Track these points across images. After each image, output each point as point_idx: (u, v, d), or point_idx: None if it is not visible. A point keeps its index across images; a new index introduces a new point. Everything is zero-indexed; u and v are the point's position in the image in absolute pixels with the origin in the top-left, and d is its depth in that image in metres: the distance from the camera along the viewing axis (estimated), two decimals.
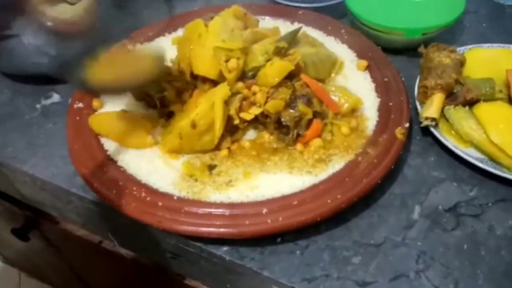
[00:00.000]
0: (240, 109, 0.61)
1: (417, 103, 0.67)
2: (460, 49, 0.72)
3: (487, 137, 0.60)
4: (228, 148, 0.61)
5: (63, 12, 0.68)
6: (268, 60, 0.62)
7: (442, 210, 0.57)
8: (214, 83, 0.62)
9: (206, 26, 0.64)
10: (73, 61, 0.58)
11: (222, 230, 0.52)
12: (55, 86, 0.77)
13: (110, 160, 0.60)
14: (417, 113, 0.66)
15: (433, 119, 0.63)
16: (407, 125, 0.61)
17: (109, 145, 0.62)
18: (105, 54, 0.61)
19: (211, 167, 0.59)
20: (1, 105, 0.75)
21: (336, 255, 0.53)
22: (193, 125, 0.58)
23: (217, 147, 0.61)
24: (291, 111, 0.60)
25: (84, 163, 0.59)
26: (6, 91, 0.78)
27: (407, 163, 0.63)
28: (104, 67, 0.58)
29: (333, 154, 0.60)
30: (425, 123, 0.63)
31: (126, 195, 0.56)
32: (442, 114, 0.64)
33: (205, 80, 0.63)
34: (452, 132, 0.64)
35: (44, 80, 0.77)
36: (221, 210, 0.54)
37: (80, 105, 0.67)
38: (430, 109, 0.63)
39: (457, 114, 0.63)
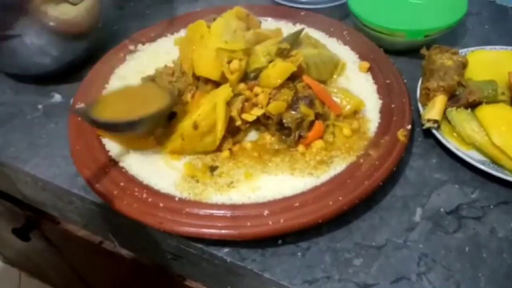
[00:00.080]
0: (242, 110, 0.61)
1: (419, 105, 0.67)
2: (463, 51, 0.72)
3: (489, 139, 0.60)
4: (230, 149, 0.61)
5: (65, 12, 0.68)
6: (270, 62, 0.62)
7: (444, 212, 0.57)
8: (216, 84, 0.62)
9: (209, 27, 0.64)
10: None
11: (223, 231, 0.52)
12: (57, 86, 0.77)
13: (111, 161, 0.60)
14: (419, 115, 0.66)
15: (435, 121, 0.63)
16: (409, 127, 0.61)
17: (111, 146, 0.62)
18: (115, 91, 0.62)
19: (212, 168, 0.59)
20: (3, 105, 0.75)
21: (338, 257, 0.53)
22: (195, 126, 0.58)
23: (219, 148, 0.61)
24: (293, 112, 0.60)
25: (86, 164, 0.59)
26: (8, 91, 0.78)
27: (409, 165, 0.63)
28: (113, 104, 0.59)
29: (334, 155, 0.60)
30: (427, 125, 0.63)
31: (127, 196, 0.56)
32: (444, 116, 0.64)
33: (207, 81, 0.63)
34: (454, 134, 0.64)
35: (46, 80, 0.77)
36: (222, 211, 0.54)
37: (82, 105, 0.67)
38: (432, 111, 0.63)
39: (459, 116, 0.63)
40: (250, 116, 0.60)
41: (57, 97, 0.76)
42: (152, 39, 0.80)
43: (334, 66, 0.70)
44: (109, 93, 0.61)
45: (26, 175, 0.66)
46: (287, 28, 0.78)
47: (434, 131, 0.63)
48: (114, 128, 0.58)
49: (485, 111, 0.63)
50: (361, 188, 0.55)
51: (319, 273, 0.52)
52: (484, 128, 0.61)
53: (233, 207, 0.54)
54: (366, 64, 0.71)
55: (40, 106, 0.74)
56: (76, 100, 0.69)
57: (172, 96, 0.61)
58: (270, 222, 0.52)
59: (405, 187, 0.60)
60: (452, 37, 0.82)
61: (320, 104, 0.62)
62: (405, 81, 0.68)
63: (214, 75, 0.61)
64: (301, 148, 0.60)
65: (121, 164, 0.60)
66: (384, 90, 0.67)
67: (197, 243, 0.55)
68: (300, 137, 0.61)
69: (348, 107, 0.64)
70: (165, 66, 0.68)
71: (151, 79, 0.66)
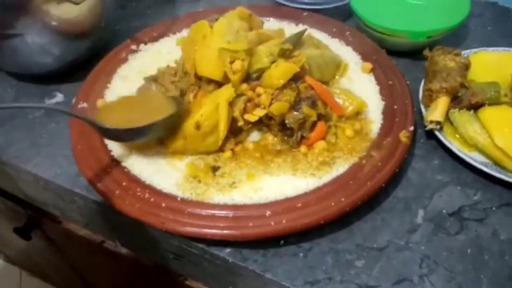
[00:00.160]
0: (245, 110, 0.61)
1: (422, 106, 0.67)
2: (465, 53, 0.72)
3: (492, 141, 0.60)
4: (232, 149, 0.61)
5: (67, 12, 0.68)
6: (272, 62, 0.62)
7: (446, 214, 0.57)
8: (219, 84, 0.62)
9: (211, 27, 0.64)
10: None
11: (225, 232, 0.52)
12: (59, 85, 0.77)
13: (114, 161, 0.60)
14: (421, 116, 0.66)
15: (438, 123, 0.62)
16: (411, 128, 0.61)
17: (113, 146, 0.62)
18: (121, 98, 0.62)
19: (214, 169, 0.59)
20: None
21: (339, 258, 0.53)
22: (197, 127, 0.58)
23: (221, 149, 0.61)
24: (296, 113, 0.60)
25: (88, 164, 0.59)
26: (10, 90, 0.78)
27: (411, 167, 0.63)
28: (116, 113, 0.59)
29: (337, 156, 0.60)
30: (430, 126, 0.63)
31: (129, 195, 0.56)
32: (447, 117, 0.64)
33: (209, 81, 0.63)
34: (457, 135, 0.63)
35: (48, 79, 0.77)
36: (224, 212, 0.54)
37: (84, 105, 0.67)
38: (435, 113, 0.63)
39: (462, 117, 0.63)
40: (252, 117, 0.60)
41: (59, 97, 0.75)
42: (155, 39, 0.80)
43: (337, 67, 0.70)
44: (108, 103, 0.61)
45: (28, 174, 0.66)
46: (290, 28, 0.78)
47: (436, 133, 0.63)
48: (125, 136, 0.58)
49: (488, 113, 0.63)
50: (363, 190, 0.55)
51: (321, 274, 0.52)
52: (486, 130, 0.61)
53: (235, 207, 0.54)
54: (369, 65, 0.71)
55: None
56: (78, 100, 0.68)
57: (177, 101, 0.61)
58: (272, 223, 0.52)
59: (407, 188, 0.60)
60: (455, 38, 0.82)
61: (323, 105, 0.62)
62: (407, 82, 0.68)
63: (217, 75, 0.61)
64: (303, 148, 0.60)
65: (123, 164, 0.60)
66: (386, 91, 0.67)
67: (199, 243, 0.55)
68: (302, 137, 0.61)
69: (350, 108, 0.64)
70: (168, 66, 0.68)
71: (153, 79, 0.66)
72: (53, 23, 0.68)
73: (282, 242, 0.54)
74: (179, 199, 0.56)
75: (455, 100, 0.65)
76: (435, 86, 0.65)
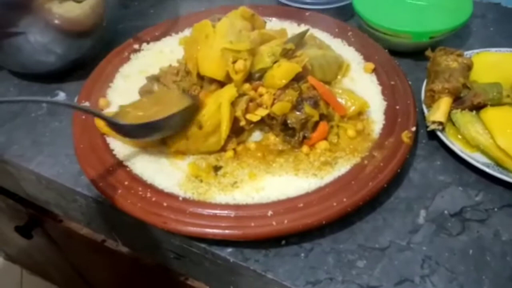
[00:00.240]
0: (247, 110, 0.61)
1: (424, 107, 0.66)
2: (468, 53, 0.72)
3: (494, 142, 0.60)
4: (234, 149, 0.61)
5: (69, 10, 0.68)
6: (275, 62, 0.62)
7: (448, 214, 0.57)
8: (221, 84, 0.62)
9: (214, 27, 0.64)
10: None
11: (227, 232, 0.52)
12: (61, 84, 0.77)
13: (116, 160, 0.60)
14: (423, 117, 0.66)
15: (440, 123, 0.62)
16: (414, 129, 0.61)
17: (115, 145, 0.62)
18: (134, 102, 0.62)
19: (216, 168, 0.59)
20: (7, 103, 0.75)
21: (341, 258, 0.53)
22: (200, 126, 0.58)
23: (223, 148, 0.61)
24: (298, 113, 0.60)
25: (90, 163, 0.59)
26: (12, 89, 0.78)
27: (413, 167, 0.62)
28: (132, 114, 0.59)
29: (339, 157, 0.59)
30: (432, 127, 0.63)
31: (131, 195, 0.56)
32: (449, 118, 0.64)
33: (211, 81, 0.62)
34: (459, 136, 0.63)
35: (50, 78, 0.77)
36: (226, 211, 0.54)
37: (86, 104, 0.67)
38: (437, 113, 0.63)
39: (464, 118, 0.63)
40: (254, 117, 0.60)
41: (61, 95, 0.76)
42: (157, 38, 0.80)
43: (339, 67, 0.70)
44: (125, 105, 0.61)
45: (30, 173, 0.66)
46: (292, 28, 0.78)
47: (438, 133, 0.63)
48: (140, 132, 0.58)
49: (490, 114, 0.63)
50: (365, 190, 0.54)
51: (322, 274, 0.52)
52: (488, 131, 0.61)
53: (237, 207, 0.54)
54: (371, 65, 0.71)
55: (44, 104, 0.74)
56: (80, 98, 0.69)
57: (191, 95, 0.61)
58: (274, 223, 0.52)
59: (409, 189, 0.60)
60: (457, 39, 0.82)
61: (325, 105, 0.62)
62: (409, 82, 0.68)
63: (219, 75, 0.61)
64: (305, 149, 0.60)
65: (125, 163, 0.60)
66: (388, 92, 0.67)
67: (200, 243, 0.55)
68: (304, 137, 0.61)
69: (352, 108, 0.64)
70: (170, 65, 0.68)
71: (156, 78, 0.66)
72: (56, 21, 0.68)
73: (283, 242, 0.54)
74: (180, 198, 0.56)
75: (457, 101, 0.65)
76: (437, 87, 0.65)
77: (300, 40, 0.68)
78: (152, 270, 0.83)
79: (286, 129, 0.61)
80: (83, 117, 0.65)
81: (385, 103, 0.66)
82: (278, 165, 0.59)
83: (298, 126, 0.60)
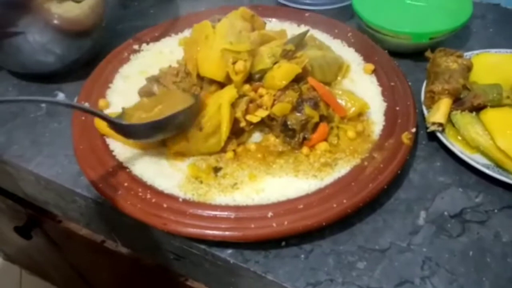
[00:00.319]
0: (247, 111, 0.61)
1: (424, 108, 0.66)
2: (467, 54, 0.72)
3: (494, 143, 0.60)
4: (234, 150, 0.61)
5: (69, 10, 0.68)
6: (275, 63, 0.62)
7: (448, 216, 0.57)
8: (221, 85, 0.62)
9: (214, 27, 0.63)
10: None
11: (227, 233, 0.52)
12: (60, 85, 0.77)
13: (115, 161, 0.60)
14: (423, 118, 0.66)
15: (440, 124, 0.62)
16: (414, 130, 0.61)
17: (115, 146, 0.62)
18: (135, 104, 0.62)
19: (216, 170, 0.59)
20: (6, 103, 0.75)
21: (341, 260, 0.53)
22: (200, 127, 0.58)
23: (223, 149, 0.60)
24: (298, 114, 0.60)
25: (90, 163, 0.59)
26: (11, 89, 0.78)
27: (413, 168, 0.62)
28: (135, 115, 0.58)
29: (339, 158, 0.59)
30: (432, 128, 0.63)
31: (131, 196, 0.56)
32: (449, 119, 0.64)
33: (211, 82, 0.62)
34: (459, 137, 0.63)
35: (50, 78, 0.77)
36: (226, 213, 0.54)
37: (86, 104, 0.67)
38: (437, 114, 0.63)
39: (464, 119, 0.63)
40: (254, 118, 0.60)
41: (61, 96, 0.75)
42: (157, 39, 0.80)
43: (339, 68, 0.70)
44: (128, 108, 0.60)
45: (29, 173, 0.65)
46: (292, 29, 0.78)
47: (438, 134, 0.63)
48: (143, 132, 0.57)
49: (490, 115, 0.63)
50: (365, 191, 0.54)
51: (323, 275, 0.52)
52: (488, 132, 0.61)
53: (237, 208, 0.54)
54: (371, 66, 0.71)
55: (43, 105, 0.74)
56: (79, 99, 0.68)
57: (193, 95, 0.61)
58: (274, 224, 0.52)
59: (409, 190, 0.60)
60: (457, 40, 0.82)
61: (325, 106, 0.62)
62: (409, 83, 0.68)
63: (219, 76, 0.61)
64: (305, 150, 0.60)
65: (125, 164, 0.60)
66: (388, 93, 0.67)
67: (200, 244, 0.55)
68: (304, 139, 0.61)
69: (352, 109, 0.64)
70: (170, 66, 0.68)
71: (155, 79, 0.66)
72: (55, 21, 0.68)
73: (283, 243, 0.54)
74: (180, 200, 0.56)
75: (457, 102, 0.65)
76: (437, 88, 0.65)
77: (300, 41, 0.68)
78: (152, 271, 0.82)
79: (286, 130, 0.61)
80: (83, 117, 0.65)
81: (385, 104, 0.66)
82: (278, 166, 0.59)
83: (298, 127, 0.59)
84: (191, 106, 0.58)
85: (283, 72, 0.61)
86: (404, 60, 0.77)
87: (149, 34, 0.80)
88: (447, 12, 0.77)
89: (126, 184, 0.57)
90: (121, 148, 0.61)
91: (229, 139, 0.60)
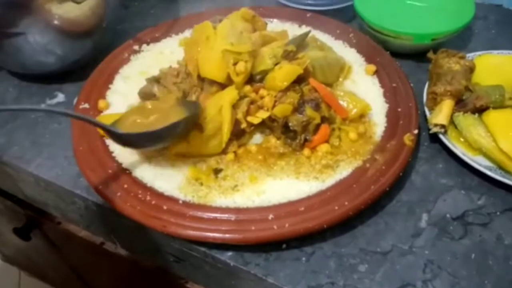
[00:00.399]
0: (248, 112, 0.60)
1: (426, 109, 0.66)
2: (470, 56, 0.72)
3: (496, 145, 0.60)
4: (235, 152, 0.60)
5: (69, 11, 0.68)
6: (276, 64, 0.62)
7: (450, 218, 0.57)
8: (222, 86, 0.62)
9: (215, 28, 0.63)
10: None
11: (227, 235, 0.52)
12: (60, 85, 0.77)
13: (115, 162, 0.60)
14: (425, 119, 0.65)
15: (442, 126, 0.62)
16: (416, 131, 0.60)
17: (115, 147, 0.61)
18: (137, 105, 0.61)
19: (217, 171, 0.59)
20: (7, 104, 0.75)
21: (342, 262, 0.53)
22: (200, 129, 0.57)
23: (223, 151, 0.60)
24: (299, 115, 0.60)
25: (89, 165, 0.59)
26: (11, 89, 0.77)
27: (415, 170, 0.62)
28: (132, 120, 0.57)
29: (340, 160, 0.59)
30: (434, 129, 0.62)
31: (131, 198, 0.55)
32: (451, 121, 0.64)
33: (212, 83, 0.62)
34: (461, 139, 0.63)
35: (50, 79, 0.77)
36: (226, 215, 0.53)
37: (86, 105, 0.67)
38: (439, 116, 0.62)
39: (466, 121, 0.63)
40: (255, 119, 0.60)
41: (61, 97, 0.75)
42: (157, 39, 0.79)
43: (340, 69, 0.70)
44: (125, 113, 0.60)
45: (29, 175, 0.65)
46: (293, 29, 0.77)
47: (440, 136, 0.62)
48: (140, 141, 0.56)
49: (492, 116, 0.63)
50: (367, 193, 0.54)
51: (324, 278, 0.51)
52: (491, 134, 0.61)
53: (237, 210, 0.54)
54: (373, 67, 0.70)
55: (43, 106, 0.74)
56: (79, 100, 0.68)
57: (193, 103, 0.59)
58: (275, 227, 0.52)
59: (411, 192, 0.60)
60: (459, 41, 0.81)
61: (326, 108, 0.61)
62: (411, 84, 0.68)
63: (220, 77, 0.61)
64: (306, 151, 0.60)
65: (125, 166, 0.59)
66: (390, 94, 0.67)
67: (200, 246, 0.54)
68: (305, 140, 0.60)
69: (354, 110, 0.63)
70: (170, 67, 0.68)
71: (156, 80, 0.66)
72: (55, 22, 0.67)
73: (284, 246, 0.54)
74: (180, 202, 0.55)
75: (460, 103, 0.65)
76: (440, 89, 0.64)
77: (301, 42, 0.68)
78: (152, 273, 0.82)
79: (287, 132, 0.60)
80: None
81: (387, 105, 0.66)
82: (279, 168, 0.59)
83: (299, 128, 0.59)
84: (190, 116, 0.57)
85: (284, 73, 0.60)
86: (406, 61, 0.77)
87: (149, 34, 0.80)
88: (449, 13, 0.77)
89: (125, 185, 0.57)
90: (121, 150, 0.61)
91: (229, 140, 0.59)
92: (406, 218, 0.57)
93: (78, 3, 0.68)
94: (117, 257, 0.83)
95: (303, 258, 0.53)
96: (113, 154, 0.61)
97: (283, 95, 0.60)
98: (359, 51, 0.75)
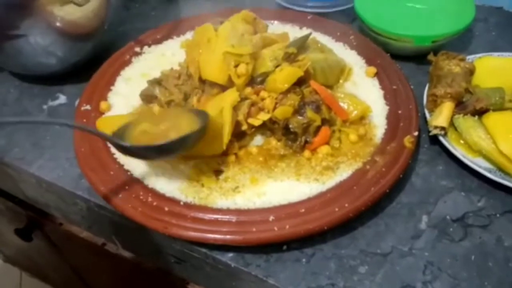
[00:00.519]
0: (248, 114, 0.60)
1: (426, 111, 0.66)
2: (470, 58, 0.72)
3: (496, 147, 0.60)
4: (235, 153, 0.61)
5: (71, 13, 0.68)
6: (277, 66, 0.62)
7: (450, 220, 0.57)
8: (223, 88, 0.62)
9: (216, 30, 0.63)
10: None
11: (228, 237, 0.52)
12: (62, 87, 0.77)
13: (116, 164, 0.60)
14: (425, 121, 0.65)
15: (442, 128, 0.62)
16: (416, 133, 0.61)
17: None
18: (145, 113, 0.61)
19: (218, 173, 0.59)
20: (8, 105, 0.75)
21: (343, 264, 0.53)
22: None
23: (224, 153, 0.60)
24: (300, 117, 0.60)
25: (91, 166, 0.59)
26: (13, 90, 0.78)
27: (415, 172, 0.62)
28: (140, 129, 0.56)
29: (341, 161, 0.59)
30: (434, 132, 0.62)
31: (132, 199, 0.56)
32: (451, 123, 0.64)
33: (213, 85, 0.62)
34: (461, 141, 0.63)
35: (51, 80, 0.77)
36: (227, 216, 0.54)
37: (88, 107, 0.67)
38: (439, 118, 0.62)
39: (466, 123, 0.63)
40: (256, 121, 0.60)
41: (62, 98, 0.75)
42: (158, 41, 0.80)
43: (341, 71, 0.70)
44: (133, 118, 0.58)
45: (30, 176, 0.65)
46: (294, 32, 0.77)
47: (440, 138, 0.62)
48: (146, 153, 0.54)
49: (492, 119, 0.63)
50: (367, 195, 0.54)
51: (324, 280, 0.52)
52: (491, 136, 0.61)
53: (238, 212, 0.54)
54: (373, 69, 0.71)
55: (44, 107, 0.74)
56: (81, 101, 0.68)
57: (203, 114, 0.58)
58: (275, 228, 0.52)
59: (411, 194, 0.60)
60: (460, 43, 0.82)
61: (327, 110, 0.61)
62: (412, 87, 0.68)
63: (221, 79, 0.61)
64: (307, 153, 0.60)
65: (126, 167, 0.60)
66: (391, 96, 0.67)
67: (201, 248, 0.55)
68: (306, 142, 0.60)
69: (354, 112, 0.63)
70: (171, 69, 0.68)
71: (157, 82, 0.66)
72: (57, 24, 0.68)
73: (285, 247, 0.54)
74: (182, 203, 0.55)
75: (460, 106, 0.65)
76: (440, 91, 0.64)
77: (302, 44, 0.68)
78: (153, 274, 0.82)
79: (287, 134, 0.61)
80: (84, 120, 0.65)
81: (387, 107, 0.66)
82: (280, 169, 0.59)
83: (300, 130, 0.59)
84: (202, 128, 0.55)
85: (285, 75, 0.60)
86: (406, 63, 0.77)
87: (151, 36, 0.80)
88: (449, 15, 0.77)
89: (127, 187, 0.57)
90: None
91: (230, 142, 0.59)
92: (406, 219, 0.57)
93: (80, 5, 0.68)
94: (119, 258, 0.84)
95: (304, 260, 0.53)
96: (115, 156, 0.61)
97: (284, 97, 0.60)
98: (359, 53, 0.75)
